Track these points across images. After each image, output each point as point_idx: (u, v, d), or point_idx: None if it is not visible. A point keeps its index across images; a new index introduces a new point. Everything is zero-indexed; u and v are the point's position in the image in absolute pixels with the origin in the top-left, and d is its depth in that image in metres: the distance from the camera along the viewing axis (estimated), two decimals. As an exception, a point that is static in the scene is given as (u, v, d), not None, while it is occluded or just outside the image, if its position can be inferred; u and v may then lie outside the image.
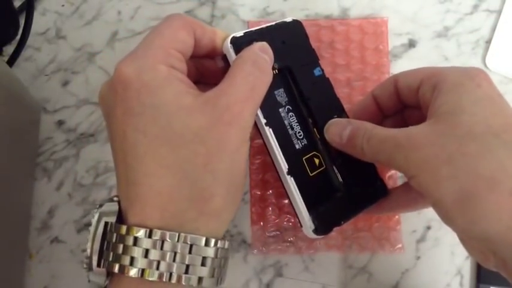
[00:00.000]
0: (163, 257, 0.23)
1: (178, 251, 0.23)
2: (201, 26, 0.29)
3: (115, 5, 0.46)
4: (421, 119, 0.28)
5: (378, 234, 0.39)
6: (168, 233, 0.23)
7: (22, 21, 0.41)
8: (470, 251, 0.28)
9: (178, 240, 0.23)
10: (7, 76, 0.38)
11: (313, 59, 0.33)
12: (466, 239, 0.27)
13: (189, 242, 0.24)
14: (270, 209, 0.40)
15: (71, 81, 0.44)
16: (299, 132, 0.32)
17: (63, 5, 0.46)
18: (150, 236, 0.23)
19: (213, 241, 0.25)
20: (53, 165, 0.42)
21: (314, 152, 0.32)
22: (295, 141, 0.32)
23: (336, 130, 0.31)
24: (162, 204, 0.24)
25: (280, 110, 0.32)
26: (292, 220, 0.40)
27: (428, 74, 0.29)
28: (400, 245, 0.39)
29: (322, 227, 0.30)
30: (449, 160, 0.24)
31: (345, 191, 0.32)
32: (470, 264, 0.39)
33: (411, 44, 0.44)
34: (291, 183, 0.30)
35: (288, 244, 0.39)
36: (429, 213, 0.40)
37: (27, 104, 0.42)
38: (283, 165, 0.30)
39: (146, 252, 0.23)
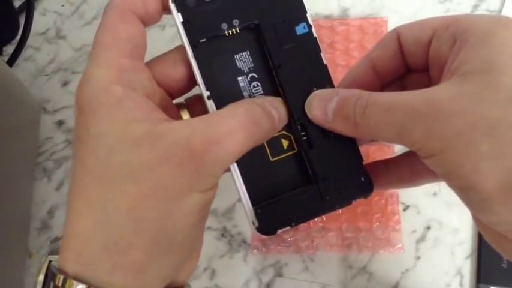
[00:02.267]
0: None
1: None
2: None
3: (115, 5, 0.46)
4: (427, 85, 0.23)
5: (378, 234, 0.39)
6: (78, 285, 0.19)
7: (22, 21, 0.41)
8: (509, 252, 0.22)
9: None
10: (7, 76, 0.38)
11: (297, 12, 0.25)
12: (509, 236, 0.21)
13: None
14: (270, 209, 0.40)
15: (71, 81, 0.44)
16: None
17: (63, 5, 0.46)
18: (63, 286, 0.20)
19: None
20: (53, 165, 0.42)
21: (283, 132, 0.25)
22: None
23: (320, 104, 0.24)
24: (77, 247, 0.20)
25: (239, 78, 0.25)
26: (292, 220, 0.40)
27: (443, 23, 0.23)
28: (400, 245, 0.39)
29: (267, 225, 0.24)
30: (492, 133, 0.19)
31: (315, 184, 0.25)
32: (470, 264, 0.39)
33: (411, 44, 0.44)
34: (233, 168, 0.24)
35: (288, 244, 0.39)
36: (429, 213, 0.40)
37: (27, 104, 0.42)
38: None
39: None
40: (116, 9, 0.22)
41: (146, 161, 0.20)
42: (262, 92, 0.25)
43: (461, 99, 0.20)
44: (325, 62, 0.26)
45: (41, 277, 0.22)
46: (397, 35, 0.25)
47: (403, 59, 0.26)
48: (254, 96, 0.25)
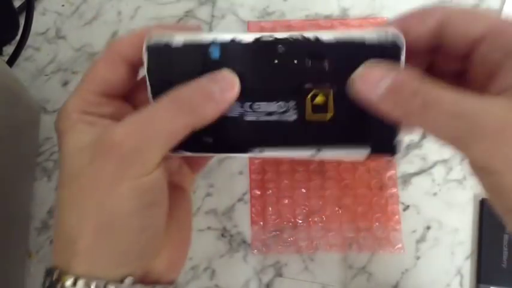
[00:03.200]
0: None
1: None
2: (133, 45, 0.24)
3: (115, 5, 0.46)
4: (449, 76, 0.22)
5: (378, 234, 0.39)
6: (54, 273, 0.23)
7: (22, 21, 0.41)
8: None
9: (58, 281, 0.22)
10: (7, 76, 0.37)
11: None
12: None
13: (67, 285, 0.22)
14: (270, 209, 0.40)
15: (71, 81, 0.44)
16: None
17: (63, 5, 0.46)
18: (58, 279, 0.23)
19: (81, 282, 0.22)
20: (52, 165, 0.42)
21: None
22: None
23: (370, 77, 0.21)
24: (55, 243, 0.24)
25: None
26: (292, 220, 0.40)
27: (494, 28, 0.21)
28: (400, 245, 0.39)
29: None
30: None
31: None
32: (470, 264, 0.39)
33: (411, 44, 0.44)
34: None
35: (288, 244, 0.39)
36: (429, 213, 0.40)
37: (27, 104, 0.42)
38: None
39: None
40: (106, 50, 0.25)
41: (85, 159, 0.23)
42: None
43: None
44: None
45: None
46: (443, 17, 0.23)
47: (437, 43, 0.23)
48: None
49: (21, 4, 0.45)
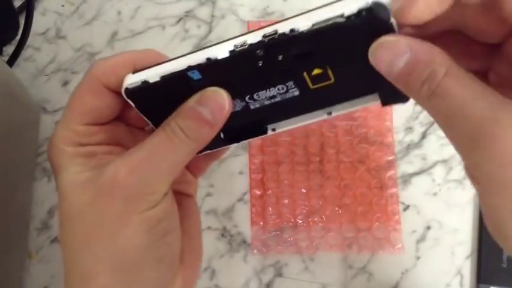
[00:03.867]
0: None
1: None
2: (116, 69, 0.24)
3: (115, 5, 0.46)
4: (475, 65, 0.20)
5: (378, 234, 0.39)
6: None
7: (22, 21, 0.41)
8: None
9: None
10: (7, 76, 0.37)
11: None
12: None
13: None
14: (270, 209, 0.40)
15: (71, 81, 0.44)
16: None
17: (63, 5, 0.46)
18: None
19: None
20: (53, 165, 0.42)
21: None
22: None
23: (386, 54, 0.20)
24: (65, 281, 0.24)
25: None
26: (292, 220, 0.40)
27: None
28: (400, 245, 0.39)
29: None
30: None
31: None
32: (470, 264, 0.39)
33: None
34: None
35: (288, 244, 0.39)
36: (429, 213, 0.40)
37: (27, 104, 0.42)
38: None
39: None
40: (88, 78, 0.24)
41: (88, 199, 0.22)
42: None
43: None
44: None
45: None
46: None
47: (463, 14, 0.20)
48: None
49: (21, 4, 0.45)
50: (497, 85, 0.20)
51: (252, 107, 0.25)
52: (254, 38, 0.22)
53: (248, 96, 0.24)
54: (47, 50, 0.45)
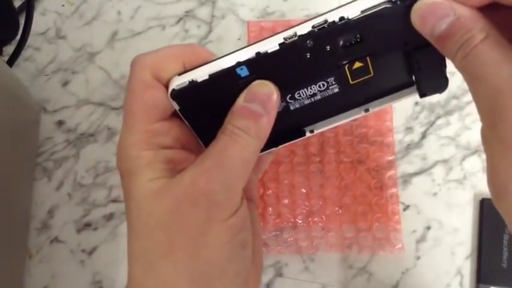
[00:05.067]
0: None
1: None
2: (171, 59, 0.23)
3: (115, 5, 0.46)
4: None
5: (378, 234, 0.39)
6: None
7: (22, 21, 0.41)
8: None
9: None
10: (7, 76, 0.38)
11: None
12: None
13: None
14: (270, 209, 0.40)
15: (71, 81, 0.44)
16: None
17: (63, 5, 0.46)
18: None
19: None
20: (52, 165, 0.42)
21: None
22: None
23: (429, 17, 0.20)
24: None
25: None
26: (292, 220, 0.40)
27: None
28: (400, 245, 0.39)
29: None
30: None
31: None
32: (470, 264, 0.39)
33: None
34: None
35: (288, 244, 0.39)
36: (429, 213, 0.40)
37: (27, 104, 0.42)
38: None
39: None
40: (139, 74, 0.23)
41: (168, 208, 0.22)
42: None
43: None
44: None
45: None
46: None
47: None
48: None
49: (21, 4, 0.45)
50: None
51: (291, 107, 0.25)
52: (303, 29, 0.22)
53: (289, 96, 0.24)
54: (47, 50, 0.45)
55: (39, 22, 0.45)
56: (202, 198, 0.21)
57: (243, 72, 0.23)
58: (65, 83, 0.44)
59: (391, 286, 0.39)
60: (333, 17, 0.22)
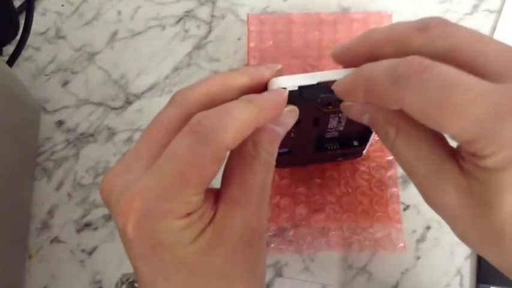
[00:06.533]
0: None
1: None
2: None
3: (115, 5, 0.46)
4: None
5: (378, 233, 0.39)
6: None
7: (22, 21, 0.41)
8: None
9: None
10: (7, 76, 0.38)
11: None
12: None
13: None
14: (270, 209, 0.40)
15: (71, 81, 0.44)
16: None
17: (63, 5, 0.46)
18: None
19: None
20: (52, 165, 0.42)
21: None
22: None
23: (352, 115, 0.24)
24: None
25: None
26: (292, 220, 0.40)
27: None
28: (402, 244, 0.39)
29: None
30: None
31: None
32: (470, 264, 0.39)
33: (411, 43, 0.44)
34: None
35: (288, 244, 0.39)
36: (429, 213, 0.40)
37: (27, 104, 0.42)
38: None
39: None
40: (215, 147, 0.21)
41: (223, 257, 0.21)
42: None
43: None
44: None
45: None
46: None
47: None
48: None
49: (21, 4, 0.45)
50: None
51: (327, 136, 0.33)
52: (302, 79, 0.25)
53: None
54: (47, 50, 0.45)
55: (39, 22, 0.45)
56: (257, 236, 0.22)
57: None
58: (65, 83, 0.44)
59: (391, 286, 0.39)
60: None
